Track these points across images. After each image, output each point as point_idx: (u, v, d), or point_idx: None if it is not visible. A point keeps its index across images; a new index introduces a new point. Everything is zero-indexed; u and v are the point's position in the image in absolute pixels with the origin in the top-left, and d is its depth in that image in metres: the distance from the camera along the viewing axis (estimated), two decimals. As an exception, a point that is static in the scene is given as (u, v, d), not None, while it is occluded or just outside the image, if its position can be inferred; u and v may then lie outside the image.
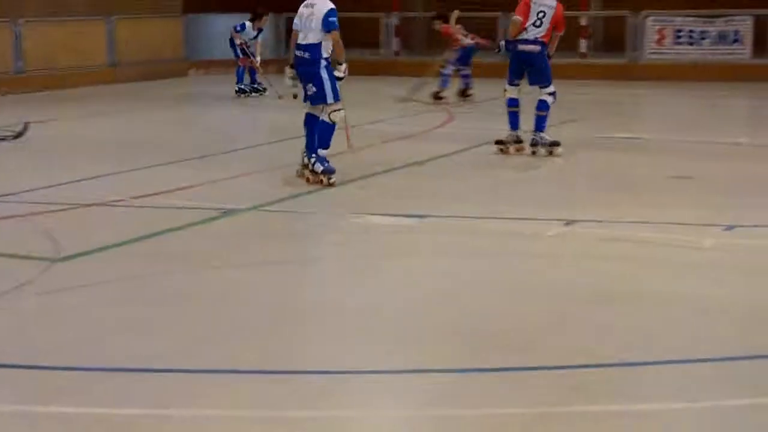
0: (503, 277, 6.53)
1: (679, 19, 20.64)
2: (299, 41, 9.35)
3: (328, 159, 9.41)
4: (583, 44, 22.14)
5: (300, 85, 9.50)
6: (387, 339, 5.35)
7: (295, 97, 9.73)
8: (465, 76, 16.71)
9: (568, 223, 7.82)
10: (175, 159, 11.11)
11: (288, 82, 9.75)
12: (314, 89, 9.31)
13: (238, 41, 17.73)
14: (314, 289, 6.30)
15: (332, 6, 9.29)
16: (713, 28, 20.28)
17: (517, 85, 11.08)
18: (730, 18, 20.18)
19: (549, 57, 10.89)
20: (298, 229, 7.95)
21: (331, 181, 9.31)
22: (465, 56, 16.57)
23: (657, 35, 20.67)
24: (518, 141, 11.13)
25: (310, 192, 9.17)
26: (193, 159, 11.13)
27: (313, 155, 9.40)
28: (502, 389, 4.63)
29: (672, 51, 20.63)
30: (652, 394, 4.54)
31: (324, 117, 9.37)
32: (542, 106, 11.02)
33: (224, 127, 14.93)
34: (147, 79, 21.02)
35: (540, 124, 11.03)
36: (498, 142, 11.24)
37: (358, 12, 22.02)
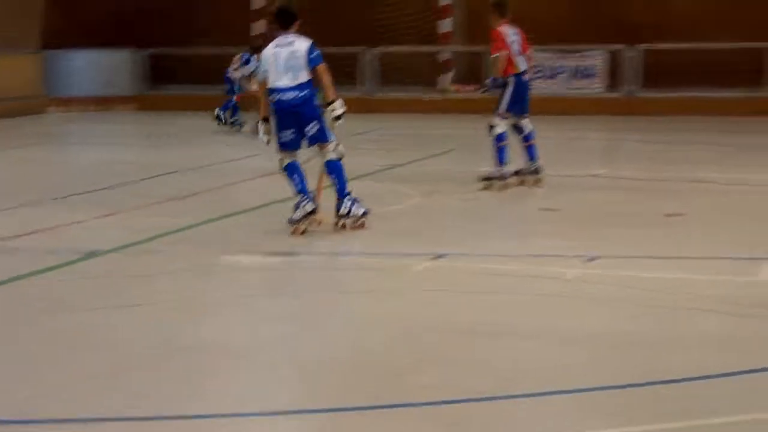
0: (373, 312, 6.52)
1: (536, 54, 21.14)
2: (284, 84, 8.71)
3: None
4: (446, 79, 22.53)
5: (273, 135, 8.86)
6: (258, 379, 5.27)
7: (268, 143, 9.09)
8: None
9: (437, 257, 7.89)
10: (37, 199, 10.80)
11: (263, 138, 9.04)
12: (317, 127, 8.80)
13: (238, 75, 17.40)
14: (183, 330, 6.17)
15: (311, 41, 8.86)
16: (568, 63, 20.89)
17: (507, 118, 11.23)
18: (584, 53, 20.83)
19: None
20: (165, 269, 7.80)
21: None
22: None
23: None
24: (505, 177, 11.13)
25: (174, 232, 9.02)
26: (56, 199, 10.84)
27: (346, 200, 8.85)
28: (376, 427, 4.61)
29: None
30: (528, 427, 4.59)
31: (331, 156, 8.90)
32: (534, 134, 11.33)
33: (88, 166, 14.61)
34: (2, 116, 20.40)
35: (535, 153, 11.31)
36: (486, 179, 11.11)
37: (216, 47, 21.97)
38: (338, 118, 8.86)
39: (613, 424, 4.59)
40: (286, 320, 6.37)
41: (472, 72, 23.68)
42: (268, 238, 8.77)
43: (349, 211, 8.84)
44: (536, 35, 22.15)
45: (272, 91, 8.83)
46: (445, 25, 23.16)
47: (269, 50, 8.88)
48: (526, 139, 11.36)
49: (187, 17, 23.83)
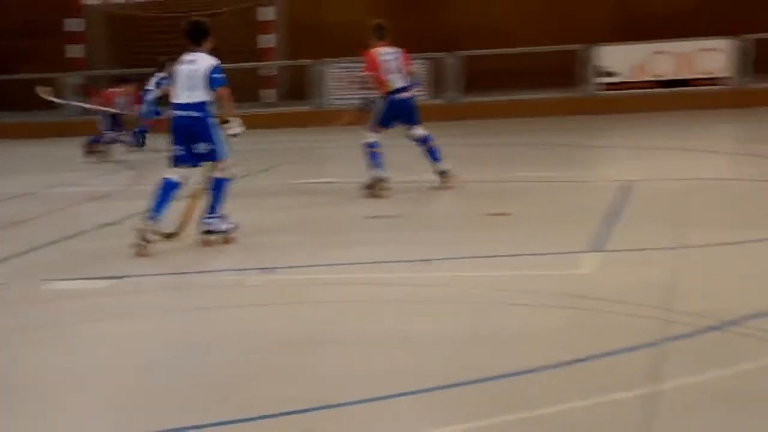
0: (206, 330, 6.49)
1: (354, 65, 21.40)
2: (180, 101, 8.79)
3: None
4: (269, 94, 22.61)
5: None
6: (107, 404, 5.20)
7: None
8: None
9: (268, 271, 7.90)
10: None
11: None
12: (208, 147, 8.79)
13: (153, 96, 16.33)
14: (9, 362, 6.01)
15: (216, 62, 8.79)
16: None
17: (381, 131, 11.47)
18: (406, 63, 21.16)
19: None
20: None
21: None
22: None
23: (338, 82, 21.39)
24: (384, 180, 11.39)
25: (1, 260, 8.76)
26: None
27: (212, 217, 8.86)
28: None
29: (353, 96, 21.36)
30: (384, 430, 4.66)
31: (219, 174, 8.88)
32: (429, 138, 11.71)
33: None
34: None
35: (437, 155, 11.66)
36: (369, 187, 11.29)
37: (35, 73, 21.37)
38: (234, 135, 8.99)
39: (454, 421, 4.69)
40: (122, 345, 6.26)
41: (295, 87, 23.84)
42: (99, 261, 8.60)
43: (214, 228, 8.91)
44: (356, 47, 22.57)
45: (171, 106, 8.94)
46: (267, 41, 23.20)
47: (177, 66, 8.96)
48: (423, 142, 11.72)
49: (4, 44, 23.19)
